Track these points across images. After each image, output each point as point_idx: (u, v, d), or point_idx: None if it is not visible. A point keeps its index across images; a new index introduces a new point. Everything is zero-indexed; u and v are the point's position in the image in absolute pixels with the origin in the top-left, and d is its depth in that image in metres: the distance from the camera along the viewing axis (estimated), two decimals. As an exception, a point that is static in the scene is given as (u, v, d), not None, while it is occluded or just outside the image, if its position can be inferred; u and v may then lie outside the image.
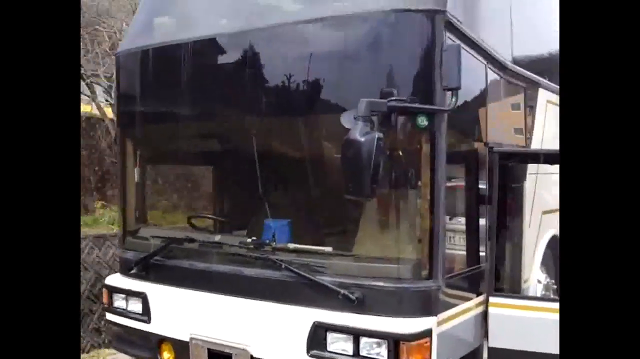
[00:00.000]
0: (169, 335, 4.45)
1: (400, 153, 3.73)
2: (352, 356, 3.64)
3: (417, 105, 3.53)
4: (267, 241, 4.30)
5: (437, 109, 3.60)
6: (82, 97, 11.11)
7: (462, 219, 4.33)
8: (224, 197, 5.99)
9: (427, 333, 3.59)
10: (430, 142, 3.65)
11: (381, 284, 3.66)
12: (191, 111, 4.64)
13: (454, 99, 3.59)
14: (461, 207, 4.37)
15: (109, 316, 4.95)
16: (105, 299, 4.99)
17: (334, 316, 3.72)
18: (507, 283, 4.68)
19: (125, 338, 4.90)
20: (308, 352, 3.77)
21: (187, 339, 4.29)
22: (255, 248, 4.21)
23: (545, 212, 5.50)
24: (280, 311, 3.91)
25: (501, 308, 4.28)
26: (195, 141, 5.32)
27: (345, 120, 3.48)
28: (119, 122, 5.23)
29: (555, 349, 4.15)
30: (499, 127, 4.85)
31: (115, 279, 4.91)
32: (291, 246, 4.21)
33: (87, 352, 6.28)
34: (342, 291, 3.65)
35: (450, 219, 4.25)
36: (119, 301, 4.81)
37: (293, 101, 4.14)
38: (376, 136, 3.30)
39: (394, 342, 3.54)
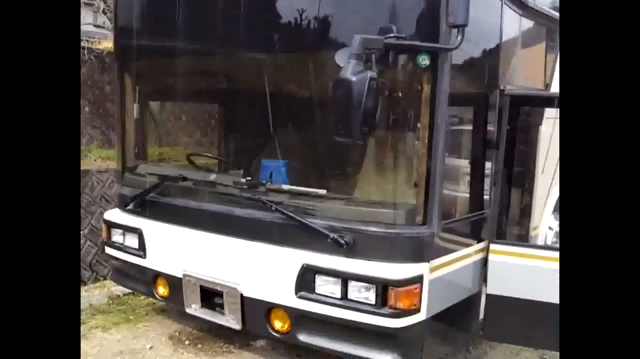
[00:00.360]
0: (163, 271, 4.45)
1: (398, 94, 3.53)
2: (340, 299, 3.58)
3: (417, 43, 3.30)
4: (263, 182, 4.21)
5: (439, 48, 3.36)
6: (104, 31, 10.86)
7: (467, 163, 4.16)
8: (228, 136, 5.89)
9: (417, 279, 3.49)
10: (431, 83, 3.42)
11: (373, 229, 3.55)
12: (194, 43, 4.43)
13: (459, 37, 3.34)
14: (467, 150, 4.19)
15: (108, 250, 4.96)
16: (104, 233, 4.99)
17: (324, 259, 3.63)
18: (515, 230, 4.53)
19: (123, 271, 4.93)
20: (296, 293, 3.72)
21: (180, 276, 4.28)
22: (249, 188, 4.11)
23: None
24: (271, 252, 3.84)
25: (502, 255, 4.14)
26: (196, 76, 5.16)
27: (340, 58, 3.28)
28: (117, 56, 5.06)
29: (554, 298, 4.08)
30: (515, 69, 4.58)
31: (114, 215, 4.89)
32: (285, 187, 4.10)
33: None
34: (332, 235, 3.55)
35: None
36: (117, 236, 4.80)
37: (293, 37, 3.92)
38: (369, 75, 3.10)
39: (382, 287, 3.46)
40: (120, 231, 4.76)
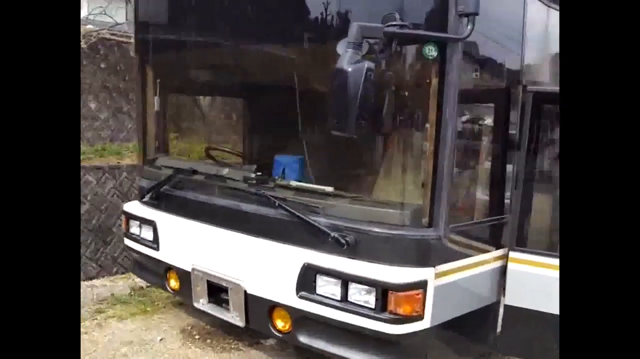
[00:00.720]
0: (175, 264, 4.42)
1: (403, 87, 3.34)
2: (340, 301, 3.43)
3: (419, 32, 3.11)
4: (273, 178, 4.11)
5: (446, 38, 3.16)
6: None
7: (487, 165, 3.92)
8: (251, 131, 5.84)
9: (421, 284, 3.30)
10: (439, 76, 3.22)
11: (376, 229, 3.38)
12: (211, 36, 4.39)
13: (469, 27, 3.13)
14: (487, 150, 3.94)
15: (127, 242, 4.99)
16: (124, 225, 5.03)
17: (325, 258, 3.49)
18: (544, 238, 4.23)
19: (140, 263, 4.95)
20: (297, 293, 3.59)
21: (190, 270, 4.24)
22: (257, 184, 4.01)
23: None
24: (274, 249, 3.73)
25: (521, 264, 3.88)
26: (215, 70, 5.12)
27: (341, 48, 3.13)
28: (138, 49, 5.07)
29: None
30: (542, 64, 4.29)
31: (133, 206, 4.91)
32: (293, 183, 3.98)
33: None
34: (333, 234, 3.40)
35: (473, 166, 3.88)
36: (134, 228, 4.82)
37: (304, 29, 3.80)
38: (366, 66, 2.93)
39: (382, 291, 3.29)
40: (137, 223, 4.77)
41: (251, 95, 5.43)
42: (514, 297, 3.90)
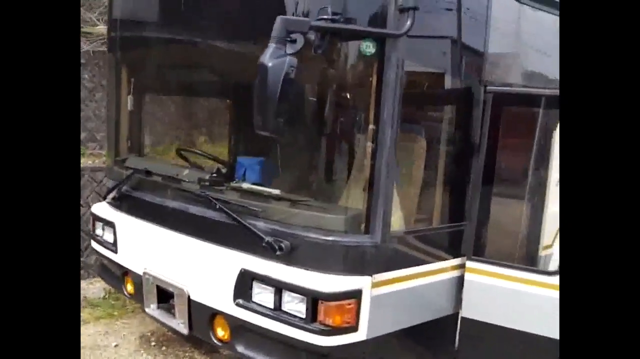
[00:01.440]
0: (129, 267, 4.32)
1: (338, 86, 3.17)
2: (274, 309, 3.26)
3: (351, 26, 2.92)
4: (237, 179, 3.96)
5: (382, 33, 2.98)
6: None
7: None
8: (232, 132, 5.71)
9: (354, 294, 3.11)
10: (377, 75, 3.04)
11: (311, 235, 3.20)
12: (188, 34, 4.26)
13: (409, 22, 2.95)
14: (446, 155, 3.73)
15: (93, 244, 4.92)
16: (91, 226, 4.96)
17: (262, 264, 3.33)
18: (502, 247, 3.98)
19: (104, 266, 4.87)
20: (234, 300, 3.44)
21: (141, 274, 4.13)
22: (211, 186, 3.87)
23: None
24: (216, 254, 3.59)
25: (479, 275, 3.65)
26: (191, 69, 5.02)
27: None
28: (110, 47, 5.01)
29: (539, 329, 3.52)
30: (511, 64, 4.04)
31: (98, 208, 4.84)
32: (245, 185, 3.83)
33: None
34: (267, 239, 3.24)
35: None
36: (99, 229, 4.74)
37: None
38: (287, 61, 2.77)
39: (313, 300, 3.11)
40: (101, 224, 4.70)
41: (226, 94, 5.30)
42: (471, 309, 3.67)
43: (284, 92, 2.76)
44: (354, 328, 3.12)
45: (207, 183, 3.88)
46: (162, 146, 5.67)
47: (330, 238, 3.16)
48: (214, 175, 3.96)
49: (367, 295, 3.14)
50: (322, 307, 3.07)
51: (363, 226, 3.16)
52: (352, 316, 3.10)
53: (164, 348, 4.45)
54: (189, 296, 3.75)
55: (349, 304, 3.08)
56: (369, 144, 3.11)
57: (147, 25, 4.55)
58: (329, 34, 2.93)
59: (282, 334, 3.23)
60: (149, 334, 4.68)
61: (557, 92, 3.99)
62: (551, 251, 4.60)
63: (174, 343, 4.50)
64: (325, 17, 2.90)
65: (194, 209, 3.79)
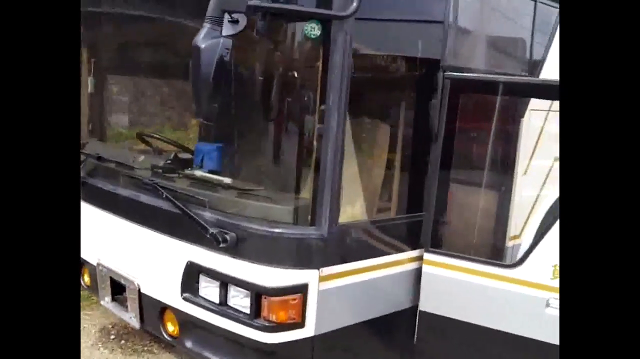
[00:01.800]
0: (84, 258, 4.19)
1: (282, 70, 3.02)
2: (219, 304, 3.14)
3: (289, 7, 2.76)
4: (196, 166, 3.80)
5: (323, 14, 2.82)
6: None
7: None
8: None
9: (299, 289, 2.99)
10: (322, 59, 2.89)
11: (256, 226, 3.07)
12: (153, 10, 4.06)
13: (355, 4, 2.79)
14: (403, 142, 3.58)
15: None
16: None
17: (209, 257, 3.20)
18: (460, 239, 3.85)
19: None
20: (182, 294, 3.32)
21: (95, 265, 4.01)
22: (165, 173, 3.73)
23: (561, 158, 4.46)
24: (165, 245, 3.45)
25: (437, 267, 3.51)
26: (156, 49, 4.83)
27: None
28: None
29: (496, 323, 3.41)
30: (475, 48, 3.88)
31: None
32: (197, 173, 3.68)
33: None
34: (212, 230, 3.10)
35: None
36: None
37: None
38: (220, 43, 2.62)
39: (256, 295, 2.98)
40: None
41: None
42: (429, 303, 3.54)
43: (217, 76, 2.61)
44: (300, 324, 3.00)
45: (160, 170, 3.76)
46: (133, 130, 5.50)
47: (275, 230, 3.03)
48: (169, 162, 3.83)
49: (315, 289, 3.01)
50: (265, 302, 2.96)
51: (309, 217, 3.02)
52: (298, 311, 2.98)
53: (122, 341, 4.33)
54: (139, 289, 3.63)
55: (294, 299, 2.96)
56: (315, 132, 2.97)
57: (106, 1, 4.39)
58: (269, 14, 2.77)
59: (228, 331, 3.12)
60: (110, 326, 4.56)
61: (514, 79, 3.87)
62: (519, 242, 4.48)
63: (133, 337, 4.38)
64: (267, -5, 2.74)
65: (145, 198, 3.65)
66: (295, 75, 3.06)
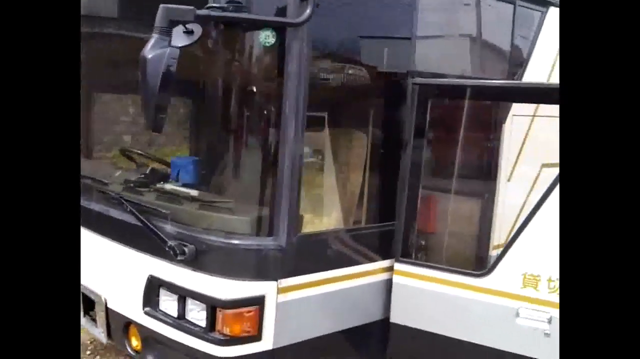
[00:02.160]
0: (59, 274, 4.16)
1: (236, 79, 2.99)
2: (177, 318, 3.09)
3: (239, 15, 2.72)
4: (171, 180, 3.76)
5: (276, 22, 2.79)
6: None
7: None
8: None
9: (255, 301, 2.92)
10: (277, 67, 2.86)
11: (214, 238, 3.01)
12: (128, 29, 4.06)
13: (308, 10, 2.75)
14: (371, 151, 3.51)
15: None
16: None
17: (168, 270, 3.15)
18: (430, 248, 3.75)
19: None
20: (143, 308, 3.27)
21: (68, 281, 3.97)
22: (136, 187, 3.70)
23: (548, 166, 4.36)
24: (129, 258, 3.42)
25: (407, 277, 3.43)
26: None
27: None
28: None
29: (468, 335, 3.30)
30: (452, 50, 3.82)
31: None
32: (167, 186, 3.65)
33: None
34: (170, 243, 3.05)
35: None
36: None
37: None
38: (167, 53, 2.58)
39: (211, 308, 2.92)
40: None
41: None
42: (400, 315, 3.45)
43: (164, 87, 2.57)
44: (256, 337, 2.93)
45: (131, 185, 3.74)
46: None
47: (232, 241, 2.97)
48: (141, 176, 3.81)
49: (272, 301, 2.94)
50: (220, 315, 2.89)
51: (267, 228, 2.97)
52: (254, 324, 2.91)
53: (97, 357, 4.29)
54: (106, 304, 3.59)
55: (249, 311, 2.89)
56: (272, 141, 2.92)
57: (90, 19, 4.40)
58: (220, 24, 2.75)
59: (185, 346, 3.06)
60: (88, 342, 4.52)
61: (483, 82, 3.79)
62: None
63: (109, 353, 4.34)
64: (215, 5, 2.71)
65: (115, 212, 3.62)
66: (250, 84, 3.02)
